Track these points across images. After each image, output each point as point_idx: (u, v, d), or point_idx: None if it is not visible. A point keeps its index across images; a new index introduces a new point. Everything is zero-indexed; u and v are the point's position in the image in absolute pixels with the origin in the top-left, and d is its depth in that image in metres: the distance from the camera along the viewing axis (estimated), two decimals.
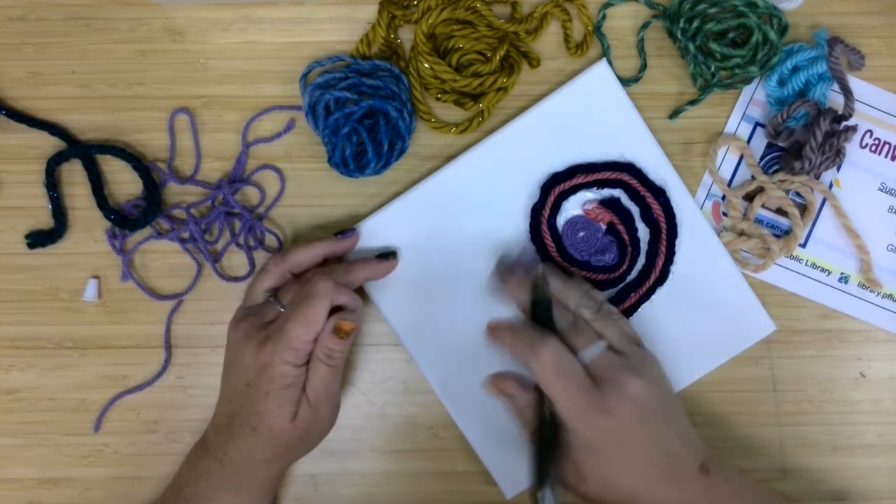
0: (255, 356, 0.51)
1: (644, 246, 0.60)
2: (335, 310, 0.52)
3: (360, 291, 0.60)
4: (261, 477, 0.54)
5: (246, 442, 0.52)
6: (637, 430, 0.51)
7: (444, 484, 0.61)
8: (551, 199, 0.59)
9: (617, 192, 0.60)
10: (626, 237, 0.60)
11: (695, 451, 0.53)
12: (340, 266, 0.56)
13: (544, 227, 0.59)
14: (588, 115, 0.59)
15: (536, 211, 0.59)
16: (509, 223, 0.60)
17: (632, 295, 0.60)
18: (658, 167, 0.60)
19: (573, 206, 0.60)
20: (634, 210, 0.60)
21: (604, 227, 0.60)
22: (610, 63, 0.60)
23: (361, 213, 0.61)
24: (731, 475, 0.53)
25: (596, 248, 0.60)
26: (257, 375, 0.51)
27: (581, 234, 0.60)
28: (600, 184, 0.60)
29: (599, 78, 0.60)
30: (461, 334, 0.59)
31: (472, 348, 0.59)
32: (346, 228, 0.59)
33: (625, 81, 0.61)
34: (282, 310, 0.54)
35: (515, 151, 0.60)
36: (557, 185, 0.59)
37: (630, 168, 0.59)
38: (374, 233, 0.59)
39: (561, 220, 0.60)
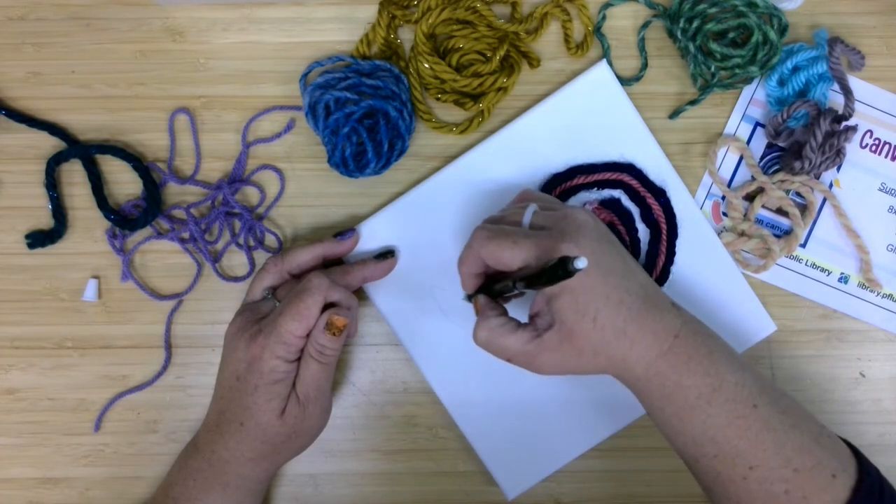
0: (246, 349, 0.51)
1: (644, 246, 0.60)
2: (330, 308, 0.52)
3: (360, 293, 0.60)
4: (248, 478, 0.54)
5: (234, 439, 0.52)
6: (603, 253, 0.49)
7: (444, 484, 0.61)
8: None
9: (617, 193, 0.60)
10: (626, 238, 0.60)
11: (658, 288, 0.51)
12: (338, 267, 0.57)
13: None
14: (588, 115, 0.60)
15: None
16: None
17: None
18: (658, 167, 0.60)
19: None
20: (635, 210, 0.60)
21: None
22: (610, 63, 0.60)
23: (361, 214, 0.61)
24: (694, 316, 0.52)
25: None
26: (247, 369, 0.51)
27: None
28: (601, 184, 0.60)
29: (599, 79, 0.60)
30: (461, 334, 0.59)
31: (472, 349, 0.59)
32: (345, 229, 0.59)
33: (625, 81, 0.61)
34: (277, 304, 0.54)
35: (516, 152, 0.60)
36: (558, 186, 0.59)
37: (630, 169, 0.59)
38: (374, 234, 0.59)
39: None
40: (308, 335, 0.52)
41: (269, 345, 0.51)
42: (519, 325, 0.50)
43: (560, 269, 0.43)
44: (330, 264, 0.58)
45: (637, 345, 0.48)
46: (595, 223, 0.51)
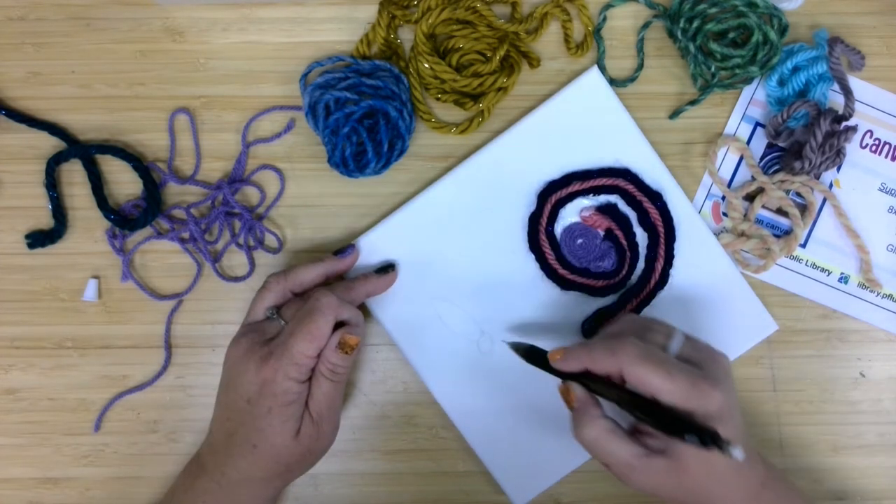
0: (257, 372, 0.51)
1: (643, 251, 0.60)
2: (339, 326, 0.52)
3: (361, 306, 0.59)
4: (259, 498, 0.54)
5: (245, 461, 0.52)
6: (737, 405, 0.50)
7: (444, 484, 0.61)
8: (548, 207, 0.59)
9: (614, 198, 0.60)
10: (624, 242, 0.60)
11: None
12: (342, 284, 0.56)
13: (542, 236, 0.59)
14: (581, 121, 0.59)
15: (534, 220, 0.59)
16: (507, 233, 0.60)
17: (632, 300, 0.59)
18: (654, 171, 0.60)
19: (570, 214, 0.60)
20: (632, 215, 0.60)
21: (602, 233, 0.60)
22: (603, 68, 0.60)
23: (361, 214, 0.61)
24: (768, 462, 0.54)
25: (594, 255, 0.60)
26: (259, 392, 0.51)
27: (579, 241, 0.60)
28: (597, 190, 0.60)
29: (591, 84, 0.59)
30: (464, 346, 0.59)
31: (475, 359, 0.59)
32: (345, 246, 0.58)
33: (623, 82, 0.61)
34: (283, 324, 0.53)
35: (510, 161, 0.59)
36: (554, 193, 0.59)
37: (626, 173, 0.59)
38: (374, 248, 0.59)
39: (559, 228, 0.60)
40: (319, 354, 0.52)
41: (282, 367, 0.50)
42: (626, 433, 0.50)
43: (710, 441, 0.44)
44: (330, 283, 0.58)
45: (731, 492, 0.49)
46: (730, 365, 0.51)
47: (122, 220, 0.59)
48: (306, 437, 0.52)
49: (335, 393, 0.53)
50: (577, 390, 0.51)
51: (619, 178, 0.59)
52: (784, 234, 0.61)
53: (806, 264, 0.61)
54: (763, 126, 0.61)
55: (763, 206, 0.61)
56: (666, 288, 0.60)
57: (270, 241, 0.61)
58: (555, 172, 0.60)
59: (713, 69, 0.59)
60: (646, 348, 0.48)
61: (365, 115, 0.58)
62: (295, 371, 0.50)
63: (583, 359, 0.50)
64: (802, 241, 0.61)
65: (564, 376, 0.52)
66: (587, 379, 0.51)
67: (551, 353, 0.52)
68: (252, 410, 0.51)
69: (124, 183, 0.61)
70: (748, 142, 0.61)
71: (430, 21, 0.59)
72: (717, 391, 0.47)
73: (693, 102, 0.61)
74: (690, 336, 0.52)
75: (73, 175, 0.61)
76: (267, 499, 0.55)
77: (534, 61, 0.61)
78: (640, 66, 0.61)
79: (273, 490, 0.55)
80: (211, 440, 0.54)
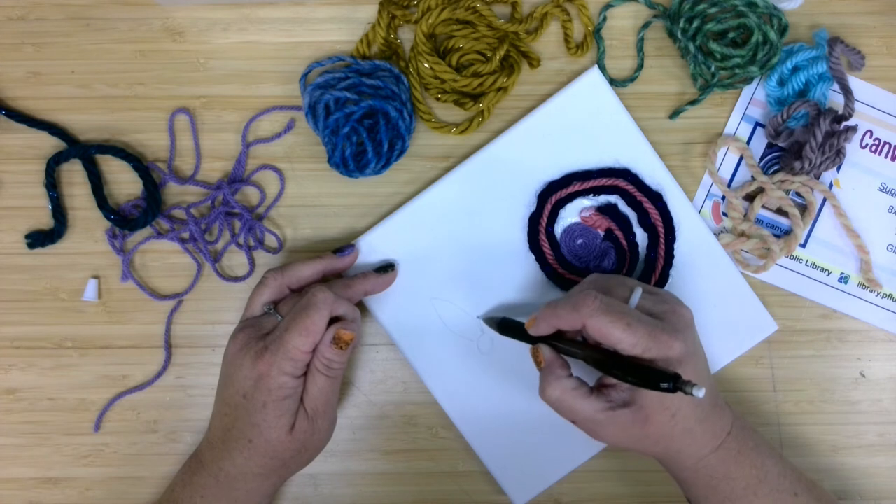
0: (252, 367, 0.51)
1: (643, 251, 0.60)
2: (334, 321, 0.52)
3: (360, 305, 0.59)
4: (256, 493, 0.54)
5: (241, 456, 0.52)
6: (698, 353, 0.51)
7: (444, 484, 0.61)
8: (548, 207, 0.59)
9: (614, 198, 0.60)
10: (624, 243, 0.60)
11: (714, 382, 0.54)
12: (339, 281, 0.56)
13: (542, 236, 0.59)
14: (582, 121, 0.59)
15: (534, 220, 0.59)
16: (507, 233, 0.60)
17: None
18: (654, 171, 0.60)
19: (570, 214, 0.60)
20: (632, 215, 0.60)
21: (602, 233, 0.60)
22: (603, 68, 0.60)
23: (361, 214, 0.61)
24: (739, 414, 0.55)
25: (594, 255, 0.60)
26: (254, 387, 0.51)
27: (579, 241, 0.60)
28: (597, 190, 0.60)
29: (591, 84, 0.59)
30: (464, 346, 0.59)
31: (475, 360, 0.59)
32: (345, 245, 0.58)
33: (623, 82, 0.61)
34: (280, 319, 0.53)
35: (510, 161, 0.59)
36: (554, 194, 0.59)
37: (626, 174, 0.59)
38: (373, 248, 0.59)
39: (559, 229, 0.60)
40: (314, 350, 0.52)
41: (277, 361, 0.50)
42: (590, 390, 0.51)
43: (670, 384, 0.45)
44: (328, 277, 0.58)
45: (696, 441, 0.51)
46: (692, 317, 0.52)
47: (122, 220, 0.59)
48: (301, 432, 0.52)
49: (330, 389, 0.52)
50: (545, 351, 0.52)
51: (619, 179, 0.59)
52: (784, 234, 0.61)
53: (806, 264, 0.61)
54: (763, 126, 0.61)
55: (763, 206, 0.61)
56: (666, 288, 0.60)
57: (270, 241, 0.61)
58: (555, 172, 0.60)
59: (713, 69, 0.59)
60: (606, 301, 0.49)
61: (365, 115, 0.58)
62: (289, 366, 0.50)
63: (550, 319, 0.51)
64: (802, 241, 0.61)
65: (540, 342, 0.53)
66: (558, 340, 0.52)
67: (527, 323, 0.53)
68: (247, 405, 0.51)
69: (124, 183, 0.61)
70: (748, 142, 0.61)
71: (430, 21, 0.59)
72: (677, 341, 0.48)
73: (693, 102, 0.61)
74: (653, 289, 0.53)
75: (73, 175, 0.61)
76: (264, 494, 0.55)
77: (534, 61, 0.61)
78: (640, 66, 0.61)
79: (270, 486, 0.55)
80: (209, 436, 0.54)
